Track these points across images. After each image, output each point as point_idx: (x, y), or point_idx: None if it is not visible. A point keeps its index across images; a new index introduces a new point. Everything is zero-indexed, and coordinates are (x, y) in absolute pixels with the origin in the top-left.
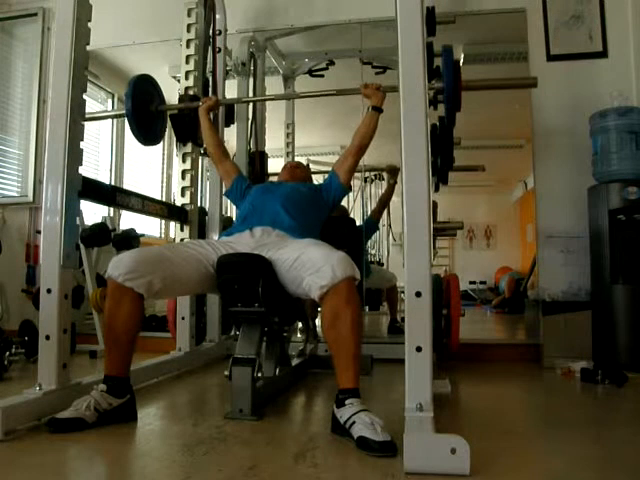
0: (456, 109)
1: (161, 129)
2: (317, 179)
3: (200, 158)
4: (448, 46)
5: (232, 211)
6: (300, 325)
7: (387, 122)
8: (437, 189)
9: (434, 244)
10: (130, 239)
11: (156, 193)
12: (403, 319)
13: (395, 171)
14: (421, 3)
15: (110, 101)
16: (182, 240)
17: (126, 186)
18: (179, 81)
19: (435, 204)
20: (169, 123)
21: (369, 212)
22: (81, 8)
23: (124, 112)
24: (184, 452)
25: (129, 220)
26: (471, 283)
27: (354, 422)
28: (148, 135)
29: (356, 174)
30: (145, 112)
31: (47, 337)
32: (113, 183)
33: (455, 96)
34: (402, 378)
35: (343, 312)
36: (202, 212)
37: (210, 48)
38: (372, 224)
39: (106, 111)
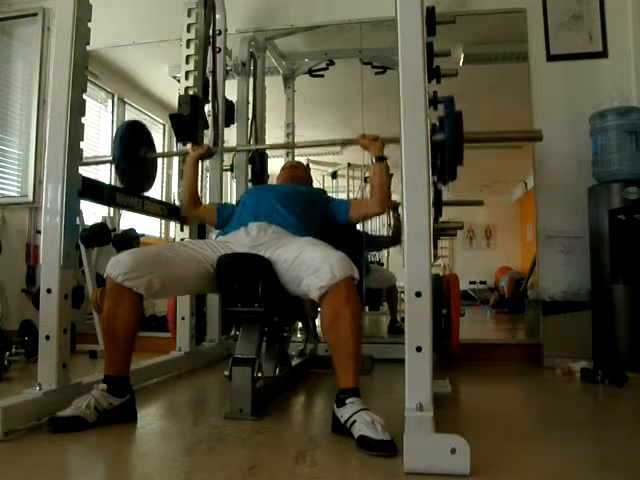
0: (457, 162)
1: (150, 174)
2: (317, 179)
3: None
4: (450, 96)
5: None
6: (300, 325)
7: (387, 124)
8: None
9: (435, 244)
10: (130, 239)
11: (156, 193)
12: (403, 319)
13: (397, 207)
14: (421, 3)
15: (110, 101)
16: (182, 240)
17: None
18: (179, 81)
19: (439, 194)
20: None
21: (384, 234)
22: (81, 8)
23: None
24: (184, 452)
25: (129, 220)
26: (471, 283)
27: (355, 421)
28: (136, 183)
29: (356, 174)
30: (133, 159)
31: (47, 337)
32: (113, 183)
33: (457, 149)
34: (402, 378)
35: (342, 312)
36: None
37: (210, 48)
38: (377, 244)
39: (98, 157)
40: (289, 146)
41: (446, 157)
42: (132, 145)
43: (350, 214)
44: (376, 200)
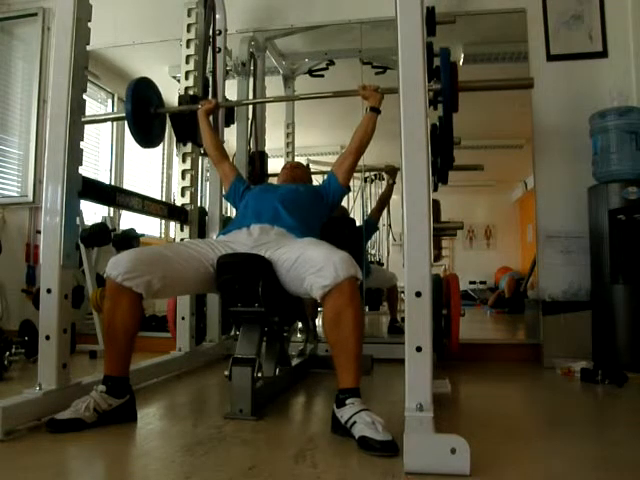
0: (453, 110)
1: (160, 131)
2: (317, 179)
3: (200, 158)
4: (445, 48)
5: (232, 211)
6: (300, 325)
7: (387, 122)
8: (436, 189)
9: (439, 245)
10: (130, 239)
11: (156, 193)
12: (403, 319)
13: (394, 171)
14: (421, 3)
15: (110, 101)
16: (182, 240)
17: (126, 186)
18: (179, 81)
19: (437, 203)
20: (168, 124)
21: (369, 212)
22: (81, 8)
23: (123, 115)
24: (184, 452)
25: (129, 220)
26: (471, 283)
27: (355, 422)
28: (147, 138)
29: (356, 174)
30: (144, 115)
31: (47, 337)
32: (113, 183)
33: (452, 97)
34: (402, 378)
35: (345, 312)
36: (202, 212)
37: (210, 48)
38: (372, 224)
39: (106, 114)
40: (288, 99)
41: (443, 106)
42: (143, 100)
43: (340, 179)
44: (354, 146)
